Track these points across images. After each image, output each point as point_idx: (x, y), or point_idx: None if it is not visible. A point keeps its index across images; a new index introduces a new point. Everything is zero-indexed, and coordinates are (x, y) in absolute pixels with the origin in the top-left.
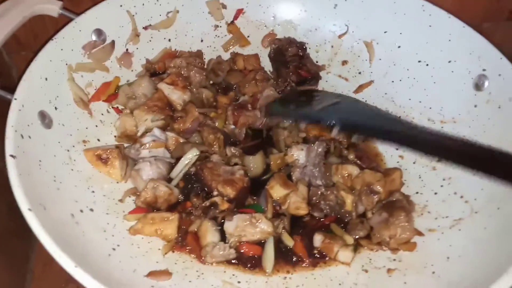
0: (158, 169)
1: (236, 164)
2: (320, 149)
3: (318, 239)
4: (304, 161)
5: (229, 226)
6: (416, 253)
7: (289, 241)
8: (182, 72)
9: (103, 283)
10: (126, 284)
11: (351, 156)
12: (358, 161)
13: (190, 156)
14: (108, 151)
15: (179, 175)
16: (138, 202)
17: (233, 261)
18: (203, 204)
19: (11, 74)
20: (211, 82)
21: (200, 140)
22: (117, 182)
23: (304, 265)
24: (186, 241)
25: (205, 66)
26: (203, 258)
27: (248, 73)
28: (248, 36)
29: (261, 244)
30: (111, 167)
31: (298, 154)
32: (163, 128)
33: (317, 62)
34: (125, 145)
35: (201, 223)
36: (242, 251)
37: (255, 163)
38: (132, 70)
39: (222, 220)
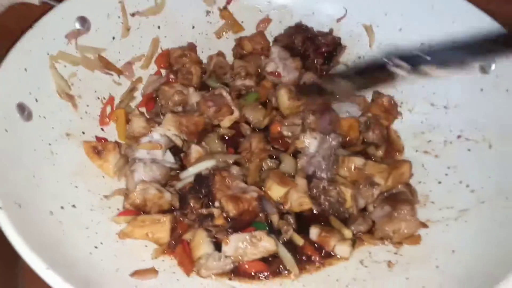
0: (151, 172)
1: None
2: (334, 142)
3: (314, 232)
4: (314, 151)
5: (227, 250)
6: (418, 246)
7: (298, 241)
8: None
9: (76, 286)
10: (106, 284)
11: (380, 152)
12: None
13: (206, 165)
14: (105, 144)
15: (187, 179)
16: (127, 204)
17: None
18: (200, 211)
19: None
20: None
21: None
22: (103, 177)
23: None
24: (176, 251)
25: (204, 62)
26: (196, 271)
27: (260, 51)
28: (242, 22)
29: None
30: (104, 160)
31: (310, 142)
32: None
33: None
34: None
35: (195, 233)
36: (242, 270)
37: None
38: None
39: (214, 239)
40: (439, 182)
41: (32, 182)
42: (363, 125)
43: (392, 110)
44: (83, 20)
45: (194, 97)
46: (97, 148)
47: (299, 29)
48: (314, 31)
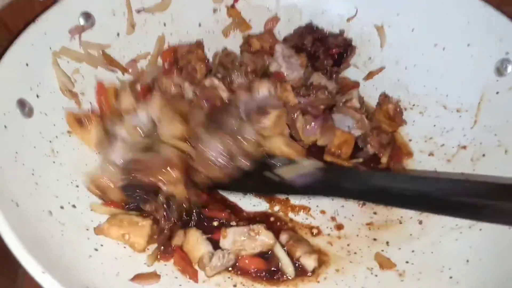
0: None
1: None
2: None
3: (283, 238)
4: None
5: (225, 243)
6: (431, 254)
7: None
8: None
9: None
10: None
11: (384, 159)
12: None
13: None
14: (90, 116)
15: None
16: (90, 185)
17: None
18: (162, 205)
19: None
20: (219, 75)
21: None
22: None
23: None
24: (174, 261)
25: (209, 58)
26: (204, 271)
27: (268, 50)
28: (249, 21)
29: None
30: (86, 132)
31: None
32: None
33: None
34: None
35: (186, 234)
36: (242, 265)
37: None
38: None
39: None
40: None
41: (31, 180)
42: (360, 140)
43: (396, 117)
44: (87, 16)
45: (189, 92)
46: (80, 120)
47: (309, 29)
48: (324, 32)
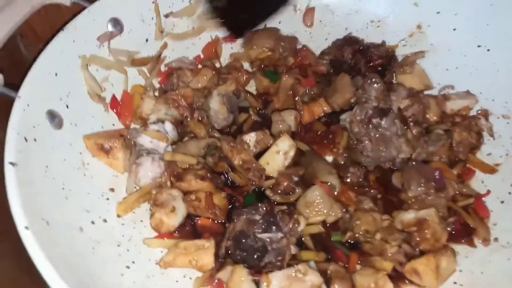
0: (159, 168)
1: None
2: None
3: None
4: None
5: None
6: (480, 275)
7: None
8: None
9: None
10: None
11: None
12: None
13: None
14: (112, 140)
15: None
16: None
17: None
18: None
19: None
20: None
21: None
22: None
23: None
24: None
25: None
26: None
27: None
28: (279, 22)
29: None
30: (113, 158)
31: None
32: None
33: None
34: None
35: (233, 270)
36: None
37: None
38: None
39: (255, 277)
40: (502, 202)
41: (61, 194)
42: None
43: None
44: (115, 22)
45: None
46: (104, 146)
47: (349, 41)
48: (364, 43)
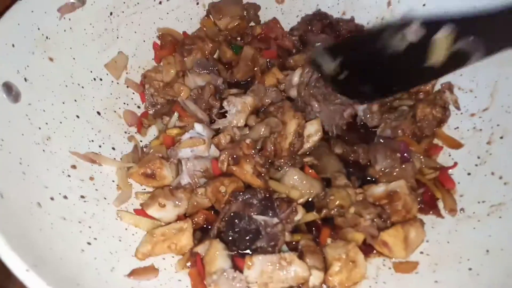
0: (193, 167)
1: None
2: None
3: None
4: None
5: (251, 274)
6: (447, 244)
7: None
8: None
9: None
10: (100, 287)
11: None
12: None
13: None
14: (151, 164)
15: None
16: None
17: None
18: None
19: None
20: None
21: None
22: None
23: None
24: (189, 273)
25: None
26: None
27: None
28: None
29: None
30: (160, 177)
31: None
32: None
33: None
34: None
35: (210, 244)
36: None
37: None
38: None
39: (232, 253)
40: (468, 174)
41: (18, 169)
42: None
43: None
44: None
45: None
46: (147, 173)
47: (318, 16)
48: (333, 18)
